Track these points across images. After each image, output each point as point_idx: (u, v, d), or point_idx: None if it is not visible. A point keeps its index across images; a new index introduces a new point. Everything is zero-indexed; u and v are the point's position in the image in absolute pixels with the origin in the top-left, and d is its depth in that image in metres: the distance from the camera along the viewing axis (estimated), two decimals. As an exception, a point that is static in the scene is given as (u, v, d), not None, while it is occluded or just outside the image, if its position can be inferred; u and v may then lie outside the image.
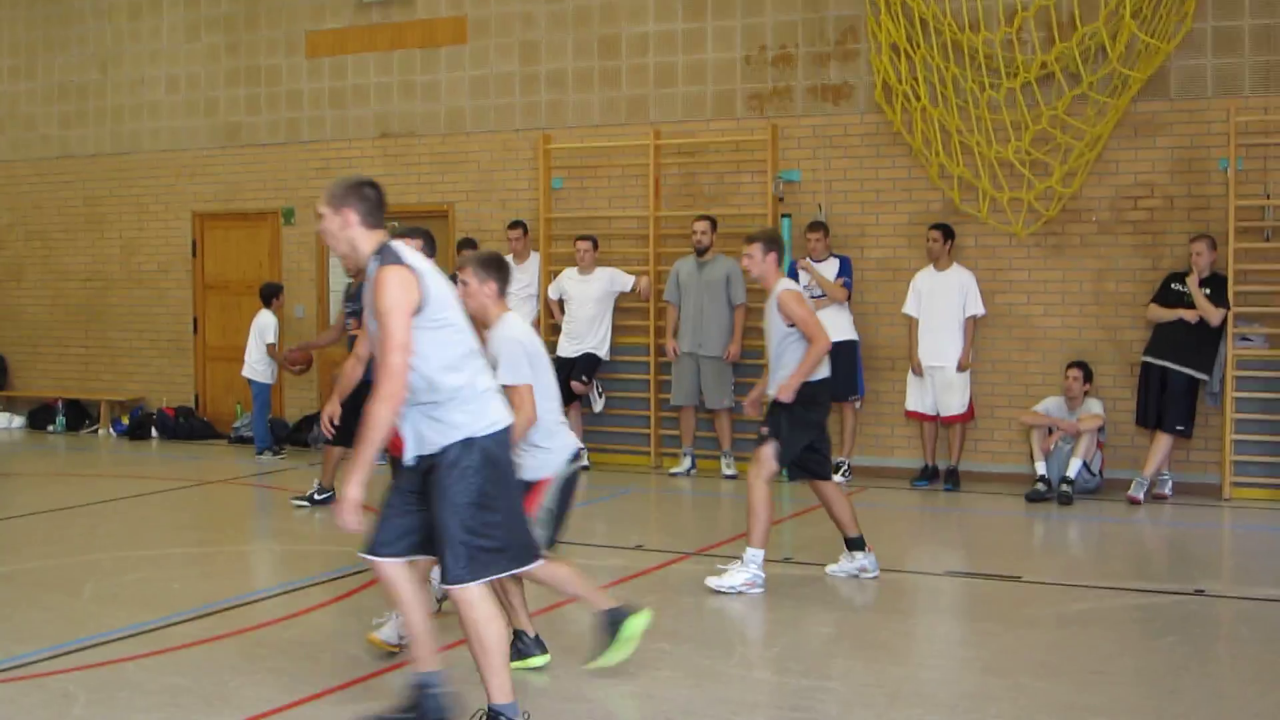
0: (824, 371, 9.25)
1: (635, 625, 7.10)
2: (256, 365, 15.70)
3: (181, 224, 18.13)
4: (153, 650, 7.81)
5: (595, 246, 14.54)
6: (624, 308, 14.87)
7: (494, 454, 5.96)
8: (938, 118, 13.57)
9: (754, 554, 9.13)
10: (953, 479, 13.39)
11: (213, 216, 17.95)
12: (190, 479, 13.99)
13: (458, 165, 16.21)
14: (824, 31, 14.25)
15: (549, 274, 15.15)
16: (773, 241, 9.35)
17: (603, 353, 14.55)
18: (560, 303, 14.87)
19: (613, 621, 7.10)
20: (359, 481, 5.71)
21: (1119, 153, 13.23)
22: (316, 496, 12.30)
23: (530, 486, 7.08)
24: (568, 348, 14.50)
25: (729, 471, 14.03)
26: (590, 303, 14.51)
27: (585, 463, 7.37)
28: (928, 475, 13.58)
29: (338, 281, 16.92)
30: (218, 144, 17.85)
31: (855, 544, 9.57)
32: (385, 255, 5.80)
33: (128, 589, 9.53)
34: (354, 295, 11.49)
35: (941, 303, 13.37)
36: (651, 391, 14.85)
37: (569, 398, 13.53)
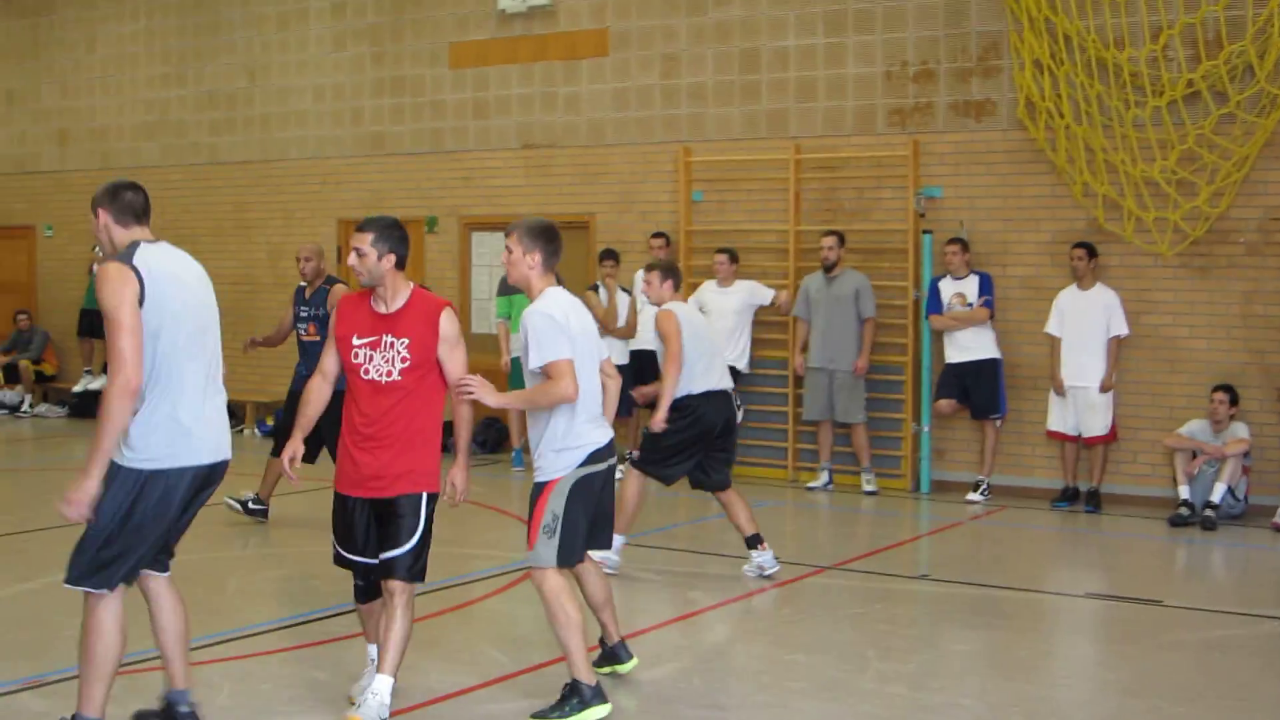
0: (690, 387, 9.82)
1: (593, 715, 6.79)
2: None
3: (327, 231, 18.66)
4: (294, 645, 8.25)
5: (733, 260, 14.77)
6: (763, 321, 15.10)
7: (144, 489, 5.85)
8: (1082, 135, 13.62)
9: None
10: (1094, 501, 13.44)
11: (357, 224, 18.39)
12: (327, 479, 14.46)
13: (599, 177, 16.52)
14: (966, 47, 14.35)
15: (689, 287, 15.40)
16: (669, 270, 10.06)
17: (742, 365, 14.74)
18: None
19: (577, 698, 6.80)
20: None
21: (1267, 173, 13.21)
22: (251, 506, 12.04)
23: (540, 490, 6.90)
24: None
25: (869, 488, 14.20)
26: (729, 315, 14.71)
27: (611, 463, 6.98)
28: (1068, 496, 13.64)
29: (480, 289, 17.33)
30: (362, 153, 18.34)
31: (751, 542, 10.04)
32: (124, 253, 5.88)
33: (269, 585, 9.98)
34: (309, 299, 11.87)
35: (1085, 322, 13.43)
36: (790, 405, 15.05)
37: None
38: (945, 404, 14.04)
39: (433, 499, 6.63)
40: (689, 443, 9.84)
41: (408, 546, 6.47)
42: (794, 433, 15.11)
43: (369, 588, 6.80)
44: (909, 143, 14.52)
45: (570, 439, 6.83)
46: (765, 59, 15.44)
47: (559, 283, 7.10)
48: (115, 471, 5.81)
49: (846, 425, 14.44)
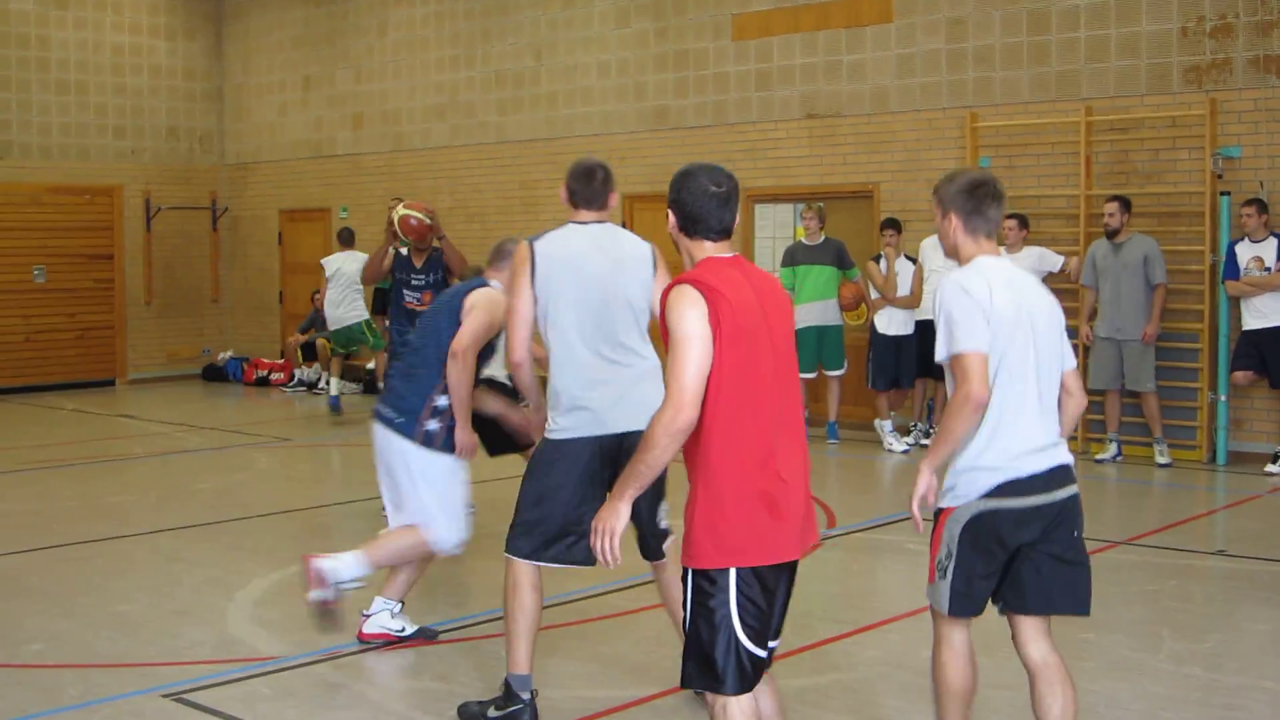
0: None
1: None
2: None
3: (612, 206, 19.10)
4: (581, 619, 8.55)
5: (1023, 225, 14.76)
6: (1053, 288, 14.94)
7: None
8: (1392, 88, 13.25)
9: None
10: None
11: (642, 199, 18.93)
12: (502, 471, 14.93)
13: (883, 145, 16.69)
14: (1267, -1, 14.07)
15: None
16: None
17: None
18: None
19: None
20: None
21: None
22: None
23: (937, 516, 5.75)
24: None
25: (1162, 460, 14.07)
26: (1017, 282, 14.62)
27: (1045, 498, 5.37)
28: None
29: (764, 261, 17.62)
30: (647, 127, 18.85)
31: None
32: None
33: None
34: (422, 268, 11.47)
35: (1397, 283, 13.07)
36: (1082, 375, 14.88)
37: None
38: (1242, 376, 13.81)
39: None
40: None
41: None
42: (1084, 403, 14.96)
43: None
44: (1206, 101, 14.32)
45: (984, 457, 5.38)
46: (1055, 19, 15.39)
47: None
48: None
49: (1136, 394, 14.29)
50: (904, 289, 15.28)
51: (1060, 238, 15.31)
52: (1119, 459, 14.40)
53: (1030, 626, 5.53)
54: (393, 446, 7.73)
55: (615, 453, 6.42)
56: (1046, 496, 5.35)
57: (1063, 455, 5.46)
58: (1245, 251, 13.76)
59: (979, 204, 5.45)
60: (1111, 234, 14.16)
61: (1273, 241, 13.66)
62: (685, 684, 4.93)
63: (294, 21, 23.61)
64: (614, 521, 4.87)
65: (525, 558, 6.53)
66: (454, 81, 21.20)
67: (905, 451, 15.22)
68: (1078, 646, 7.61)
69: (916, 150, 16.44)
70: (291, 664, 7.69)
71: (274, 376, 22.93)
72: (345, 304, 18.89)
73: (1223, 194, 14.19)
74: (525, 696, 6.57)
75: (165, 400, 21.25)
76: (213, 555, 10.47)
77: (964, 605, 5.45)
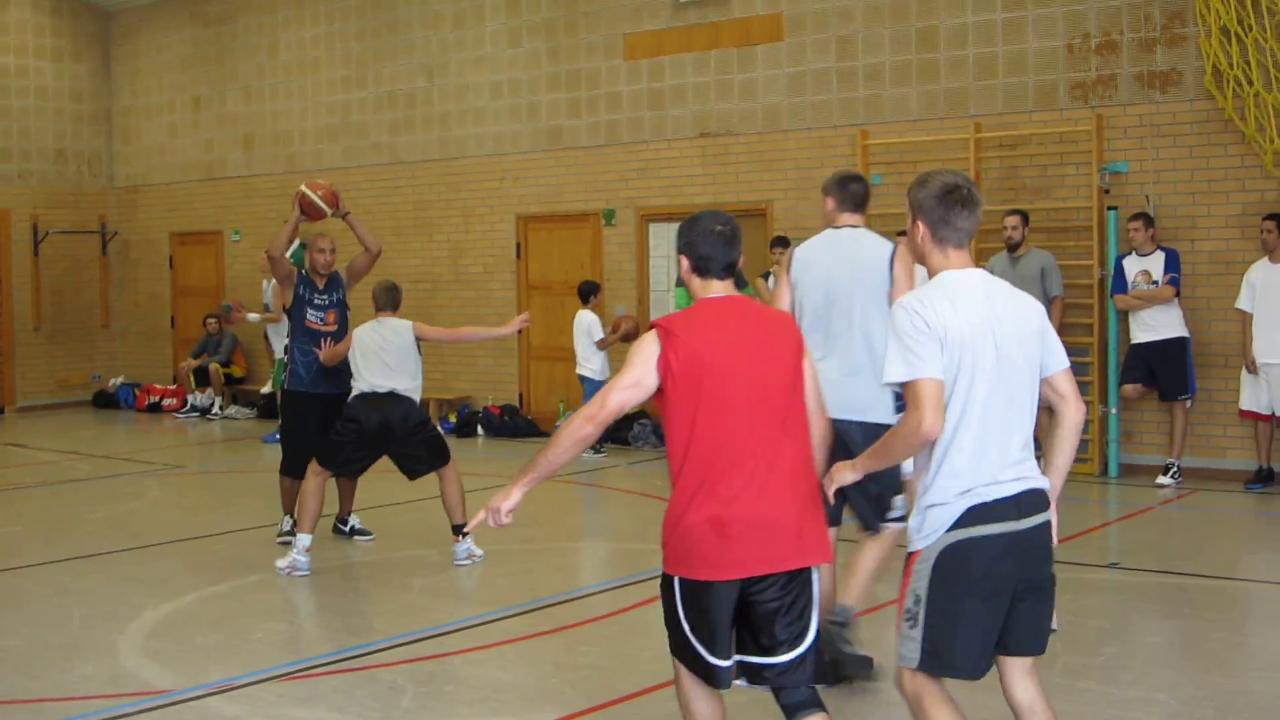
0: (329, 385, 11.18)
1: None
2: (587, 363, 16.49)
3: (506, 227, 19.16)
4: (478, 645, 8.51)
5: (915, 243, 14.78)
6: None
7: None
8: (1272, 102, 13.49)
9: (301, 539, 10.44)
10: (1269, 479, 13.24)
11: (536, 219, 18.91)
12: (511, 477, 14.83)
13: (776, 163, 16.77)
14: (1150, 16, 14.30)
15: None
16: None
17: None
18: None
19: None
20: None
21: None
22: (357, 527, 11.92)
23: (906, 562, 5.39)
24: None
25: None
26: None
27: (1014, 526, 5.03)
28: (1262, 478, 13.50)
29: (658, 281, 17.63)
30: (540, 147, 18.82)
31: (456, 530, 10.64)
32: None
33: (454, 584, 10.30)
34: (324, 288, 11.56)
35: (1277, 296, 13.25)
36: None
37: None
38: (1131, 389, 13.98)
39: None
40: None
41: None
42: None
43: None
44: (1092, 117, 14.49)
45: (943, 488, 5.08)
46: (943, 37, 15.53)
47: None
48: None
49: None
50: (785, 305, 15.32)
51: (952, 254, 15.38)
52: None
53: (1018, 666, 5.26)
54: None
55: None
56: (1017, 524, 5.00)
57: (1032, 478, 5.10)
58: (1133, 265, 13.92)
59: (947, 212, 5.12)
60: (1013, 247, 14.28)
61: (1160, 255, 13.82)
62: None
63: (183, 42, 23.34)
64: (503, 502, 5.31)
65: None
66: (346, 102, 21.05)
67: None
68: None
69: (809, 168, 16.49)
70: (183, 697, 7.54)
71: (166, 402, 22.59)
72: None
73: (1110, 209, 14.35)
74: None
75: (55, 428, 20.87)
76: (103, 587, 10.26)
77: (939, 662, 5.09)
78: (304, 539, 10.42)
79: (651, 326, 5.29)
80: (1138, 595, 9.61)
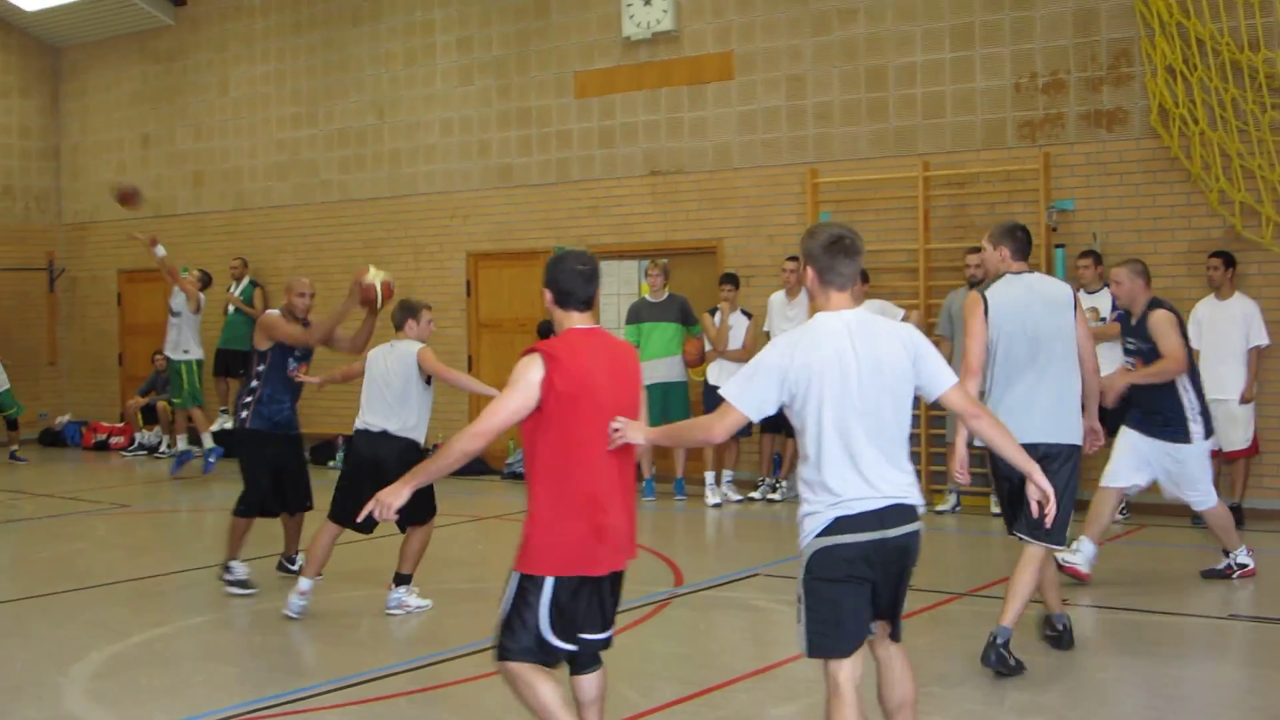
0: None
1: None
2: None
3: (456, 264, 19.13)
4: (426, 686, 8.43)
5: (864, 280, 14.84)
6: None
7: None
8: (1217, 141, 13.61)
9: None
10: (1236, 516, 13.25)
11: (486, 256, 18.89)
12: (465, 514, 14.78)
13: (726, 201, 16.80)
14: (1096, 55, 14.41)
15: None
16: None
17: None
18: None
19: None
20: None
21: None
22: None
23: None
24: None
25: (998, 510, 13.97)
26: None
27: (882, 534, 5.71)
28: (1210, 513, 13.48)
29: (609, 318, 17.59)
30: (490, 185, 18.81)
31: (399, 579, 10.43)
32: None
33: (403, 625, 10.18)
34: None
35: (1224, 333, 13.38)
36: (922, 427, 15.03)
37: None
38: (1080, 423, 13.99)
39: None
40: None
41: None
42: (926, 455, 15.13)
43: None
44: (1039, 155, 14.59)
45: (813, 502, 5.74)
46: (892, 76, 15.61)
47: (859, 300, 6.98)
48: None
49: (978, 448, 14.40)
50: (737, 342, 15.42)
51: (900, 291, 15.47)
52: (958, 510, 14.54)
53: (880, 630, 6.01)
54: None
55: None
56: (881, 534, 5.64)
57: (902, 495, 5.71)
58: (1081, 302, 13.96)
59: (831, 259, 5.75)
60: (974, 284, 14.32)
61: (1107, 292, 13.87)
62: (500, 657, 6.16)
63: (132, 79, 23.23)
64: (391, 499, 5.86)
65: None
66: (296, 140, 20.99)
67: (717, 505, 15.44)
68: (923, 700, 7.51)
69: (759, 206, 16.55)
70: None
71: (114, 440, 22.43)
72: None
73: (1058, 246, 14.44)
74: None
75: (0, 467, 20.67)
76: (48, 629, 10.10)
77: (821, 645, 5.74)
78: (305, 583, 10.22)
79: (530, 350, 5.88)
80: (1087, 631, 9.59)
